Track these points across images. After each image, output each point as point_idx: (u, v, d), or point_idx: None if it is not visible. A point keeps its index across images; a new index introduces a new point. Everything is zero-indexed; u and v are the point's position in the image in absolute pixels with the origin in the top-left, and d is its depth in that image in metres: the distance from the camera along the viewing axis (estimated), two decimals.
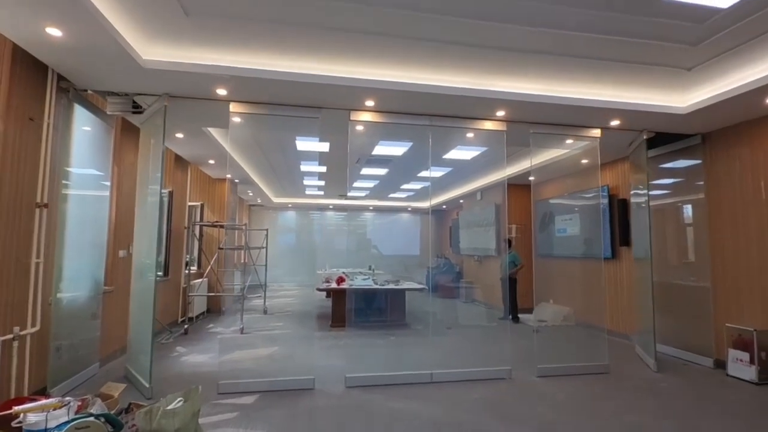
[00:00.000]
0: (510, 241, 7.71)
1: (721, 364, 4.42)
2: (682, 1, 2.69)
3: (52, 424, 2.08)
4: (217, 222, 7.66)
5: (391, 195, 11.89)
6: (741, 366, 4.12)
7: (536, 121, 4.48)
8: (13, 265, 2.94)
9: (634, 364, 4.65)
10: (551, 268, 7.58)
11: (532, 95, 3.90)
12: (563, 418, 3.18)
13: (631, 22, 2.94)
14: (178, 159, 6.42)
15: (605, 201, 6.25)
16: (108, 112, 3.95)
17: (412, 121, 4.34)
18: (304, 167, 8.35)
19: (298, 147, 6.74)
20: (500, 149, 4.82)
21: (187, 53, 3.33)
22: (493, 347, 5.43)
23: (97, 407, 2.48)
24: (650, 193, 4.90)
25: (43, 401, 2.32)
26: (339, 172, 8.37)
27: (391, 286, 7.08)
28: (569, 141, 5.00)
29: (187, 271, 6.74)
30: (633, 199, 5.50)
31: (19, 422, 2.11)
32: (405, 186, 10.50)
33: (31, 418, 2.11)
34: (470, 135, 4.92)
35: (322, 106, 4.07)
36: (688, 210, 5.11)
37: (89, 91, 3.76)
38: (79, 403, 2.40)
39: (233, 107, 3.95)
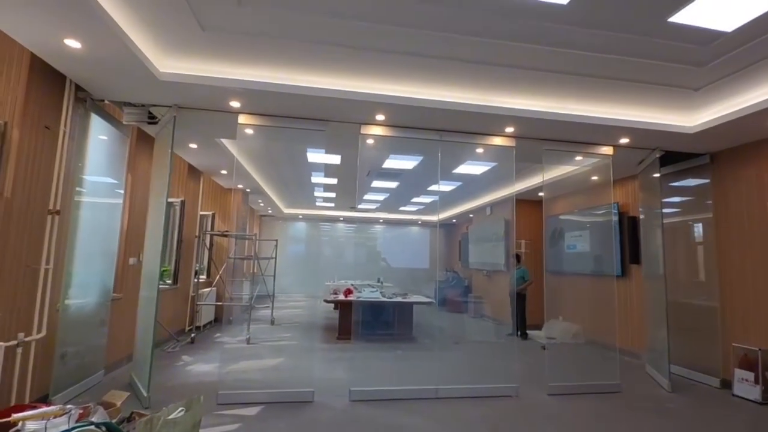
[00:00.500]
0: (519, 257, 7.60)
1: (727, 384, 4.35)
2: (687, 24, 2.70)
3: None
4: (227, 231, 7.73)
5: (402, 208, 11.89)
6: (746, 386, 4.08)
7: (545, 138, 4.48)
8: (21, 270, 2.98)
9: (645, 384, 4.54)
10: (561, 284, 7.44)
11: (541, 112, 3.91)
12: None
13: (638, 43, 2.95)
14: (191, 169, 6.53)
15: (615, 218, 6.15)
16: (124, 122, 4.05)
17: (422, 136, 4.36)
18: (315, 179, 8.41)
19: (309, 159, 6.80)
20: (509, 165, 4.80)
21: (201, 66, 3.42)
22: (501, 364, 5.31)
23: (99, 416, 2.47)
24: (656, 211, 4.82)
25: (44, 409, 2.31)
26: (350, 185, 8.41)
27: (399, 299, 7.02)
28: (579, 158, 4.96)
29: (196, 280, 6.78)
30: (643, 217, 5.41)
31: (18, 430, 2.10)
32: (415, 199, 10.49)
33: (30, 426, 2.10)
34: (479, 150, 4.91)
35: (332, 119, 4.11)
36: (696, 229, 5.03)
37: (106, 101, 3.86)
38: (81, 411, 2.39)
39: (242, 119, 4.02)
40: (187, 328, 6.40)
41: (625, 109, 4.02)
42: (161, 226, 3.83)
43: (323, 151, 6.06)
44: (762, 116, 3.66)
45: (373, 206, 11.63)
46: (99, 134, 3.88)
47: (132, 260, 4.59)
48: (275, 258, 8.38)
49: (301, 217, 13.54)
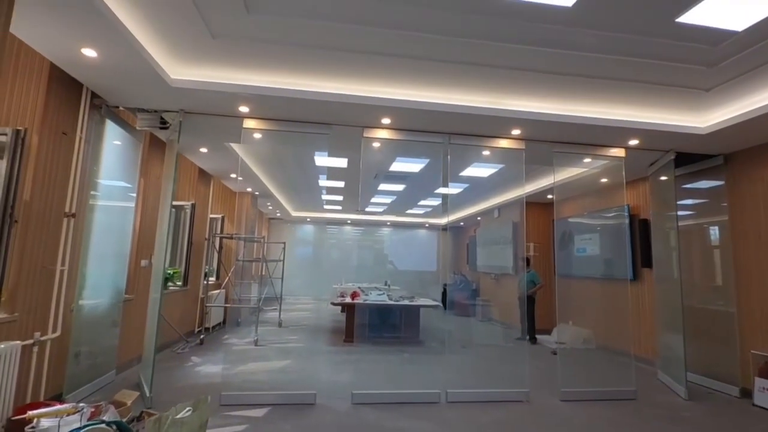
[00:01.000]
0: (528, 260, 7.56)
1: (747, 393, 4.21)
2: (696, 24, 2.68)
3: (64, 429, 2.13)
4: (236, 234, 7.82)
5: (409, 211, 11.90)
6: (767, 396, 3.92)
7: (555, 140, 4.46)
8: (38, 271, 3.07)
9: (659, 391, 4.45)
10: (570, 288, 7.36)
11: (550, 114, 3.90)
12: None
13: (646, 44, 2.93)
14: (202, 172, 6.64)
15: (626, 221, 6.09)
16: (137, 128, 4.15)
17: (428, 139, 4.37)
18: (323, 182, 8.48)
19: (317, 162, 6.87)
20: (517, 167, 4.77)
21: (211, 72, 3.49)
22: (510, 368, 5.28)
23: (110, 414, 2.53)
24: (669, 214, 4.75)
25: (58, 407, 2.38)
26: (357, 188, 8.46)
27: (406, 302, 7.02)
28: (587, 159, 4.93)
29: (205, 282, 6.87)
30: (655, 220, 5.34)
31: (33, 427, 2.17)
32: (423, 202, 10.50)
33: (44, 423, 2.17)
34: (486, 153, 4.91)
35: (338, 123, 4.15)
36: (711, 232, 4.93)
37: (120, 108, 3.96)
38: (93, 410, 2.45)
39: (247, 123, 4.10)
40: (196, 330, 6.49)
41: (635, 110, 4.00)
42: (165, 229, 3.90)
43: (333, 154, 6.12)
44: None
45: (380, 209, 11.67)
46: (113, 139, 3.98)
47: (143, 262, 4.68)
48: (283, 260, 8.45)
49: (308, 220, 13.63)
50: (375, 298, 7.23)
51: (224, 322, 7.57)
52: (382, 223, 13.91)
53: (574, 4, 2.51)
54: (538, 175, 6.99)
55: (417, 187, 8.47)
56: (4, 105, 2.99)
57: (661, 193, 5.09)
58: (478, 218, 10.90)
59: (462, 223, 12.67)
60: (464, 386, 4.09)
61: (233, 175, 7.05)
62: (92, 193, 3.68)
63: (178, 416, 2.38)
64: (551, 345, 6.82)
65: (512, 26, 2.77)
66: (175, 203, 5.99)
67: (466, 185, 8.17)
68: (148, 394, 3.47)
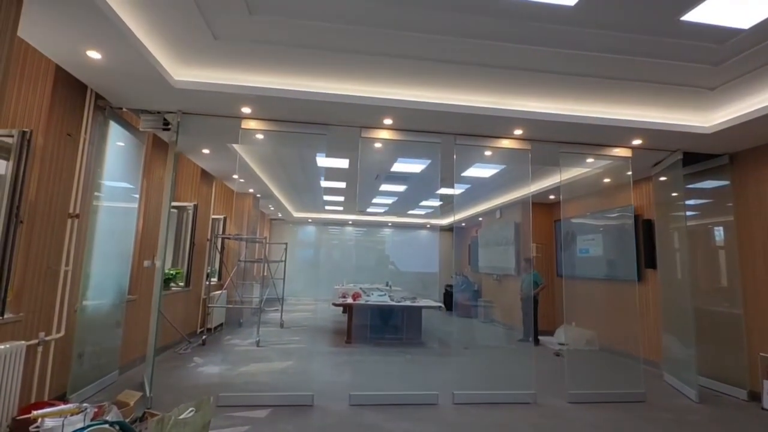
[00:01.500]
0: (530, 260, 7.55)
1: (755, 396, 4.18)
2: (701, 22, 2.67)
3: (68, 429, 2.14)
4: (238, 235, 7.83)
5: (410, 212, 11.90)
6: None
7: (559, 140, 4.46)
8: (43, 272, 3.09)
9: (667, 393, 4.43)
10: (573, 289, 7.33)
11: (555, 114, 3.90)
12: None
13: (650, 43, 2.92)
14: (204, 173, 6.66)
15: (631, 221, 6.07)
16: (140, 129, 4.16)
17: (428, 139, 4.38)
18: (324, 183, 8.49)
19: (318, 163, 6.88)
20: (520, 167, 4.75)
21: (213, 74, 3.51)
22: (514, 369, 5.27)
23: (113, 414, 2.54)
24: (675, 214, 4.73)
25: (61, 406, 2.39)
26: (358, 189, 8.47)
27: (408, 303, 7.01)
28: (590, 160, 4.92)
29: (207, 283, 6.89)
30: (659, 220, 5.32)
31: (37, 427, 2.18)
32: (424, 203, 10.50)
33: (48, 423, 2.18)
34: (488, 153, 4.91)
35: (339, 124, 4.16)
36: (717, 232, 4.90)
37: (124, 109, 3.98)
38: (96, 410, 2.47)
39: (245, 124, 4.12)
40: (198, 330, 6.50)
41: (639, 110, 3.99)
42: (164, 230, 3.92)
43: (331, 155, 6.13)
44: None
45: (381, 210, 11.67)
46: (117, 141, 4.00)
47: (146, 263, 4.70)
48: (285, 261, 8.46)
49: (310, 221, 13.65)
50: (376, 299, 7.23)
51: (226, 322, 7.58)
52: (384, 224, 13.91)
53: (576, 4, 2.51)
54: (539, 176, 6.99)
55: (418, 187, 8.47)
56: (11, 107, 3.01)
57: (667, 193, 5.07)
58: (480, 219, 10.89)
59: (463, 224, 12.66)
60: (469, 388, 4.06)
61: (235, 176, 7.07)
62: (96, 194, 3.69)
63: (181, 417, 2.39)
64: (554, 346, 6.80)
65: (514, 26, 2.77)
66: (177, 204, 6.02)
67: (468, 186, 8.16)
68: (148, 394, 3.48)
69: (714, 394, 4.44)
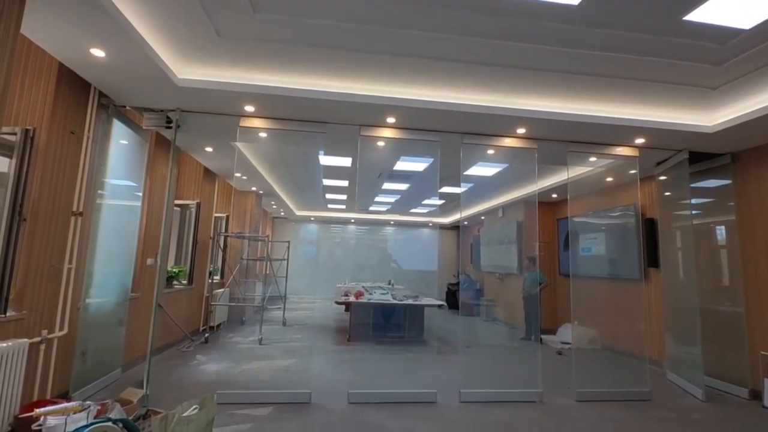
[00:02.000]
0: (534, 260, 7.54)
1: (756, 395, 4.19)
2: (704, 22, 2.66)
3: (71, 427, 2.14)
4: (240, 233, 7.84)
5: (413, 210, 11.89)
6: None
7: (564, 139, 4.45)
8: (46, 270, 3.10)
9: (672, 392, 4.43)
10: (576, 288, 7.32)
11: (558, 113, 3.90)
12: None
13: (653, 43, 2.92)
14: (207, 172, 6.66)
15: (636, 220, 6.06)
16: (144, 127, 4.17)
17: (440, 138, 4.37)
18: (327, 181, 8.49)
19: (321, 162, 6.87)
20: (523, 166, 4.72)
21: (216, 72, 3.51)
22: (516, 368, 5.27)
23: (116, 412, 2.55)
24: (680, 213, 4.71)
25: (64, 404, 2.40)
26: (360, 187, 8.46)
27: (410, 301, 7.01)
28: (593, 159, 4.90)
29: (210, 281, 6.90)
30: (662, 219, 5.30)
31: (40, 425, 2.18)
32: (426, 201, 10.49)
33: (51, 421, 2.18)
34: (494, 152, 4.89)
35: (341, 122, 4.15)
36: (719, 231, 4.89)
37: (127, 107, 3.99)
38: (99, 408, 2.47)
39: (243, 122, 4.11)
40: (201, 328, 6.52)
41: (641, 109, 3.98)
42: (162, 227, 3.93)
43: (332, 153, 6.12)
44: None
45: (384, 208, 11.67)
46: (120, 139, 4.00)
47: (149, 261, 4.71)
48: (287, 259, 8.47)
49: (312, 219, 13.65)
50: (379, 297, 7.23)
51: (228, 320, 7.60)
52: (386, 223, 13.91)
53: (580, 3, 2.50)
54: (542, 175, 6.97)
55: (421, 186, 8.46)
56: (14, 104, 3.02)
57: (671, 192, 5.06)
58: (482, 217, 10.87)
59: (466, 223, 12.65)
60: (473, 386, 4.05)
61: (238, 174, 7.08)
62: (99, 192, 3.70)
63: (185, 414, 2.39)
64: (555, 345, 6.80)
65: (518, 25, 2.76)
66: (180, 202, 6.02)
67: (470, 185, 8.15)
68: (146, 392, 3.49)
69: (716, 392, 4.44)
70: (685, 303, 4.62)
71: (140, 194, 4.44)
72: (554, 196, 7.86)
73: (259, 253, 9.13)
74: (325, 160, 6.74)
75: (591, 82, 3.53)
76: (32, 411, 2.35)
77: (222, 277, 7.74)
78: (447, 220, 13.22)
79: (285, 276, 8.37)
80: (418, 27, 2.84)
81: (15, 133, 2.88)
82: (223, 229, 7.66)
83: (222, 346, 5.87)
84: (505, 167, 6.66)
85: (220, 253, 7.43)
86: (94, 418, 2.35)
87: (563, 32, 2.83)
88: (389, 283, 10.01)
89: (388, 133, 4.30)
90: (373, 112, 3.89)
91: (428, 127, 4.27)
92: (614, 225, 6.62)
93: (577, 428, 3.38)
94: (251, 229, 8.46)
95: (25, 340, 2.83)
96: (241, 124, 4.12)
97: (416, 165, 6.87)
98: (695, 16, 2.59)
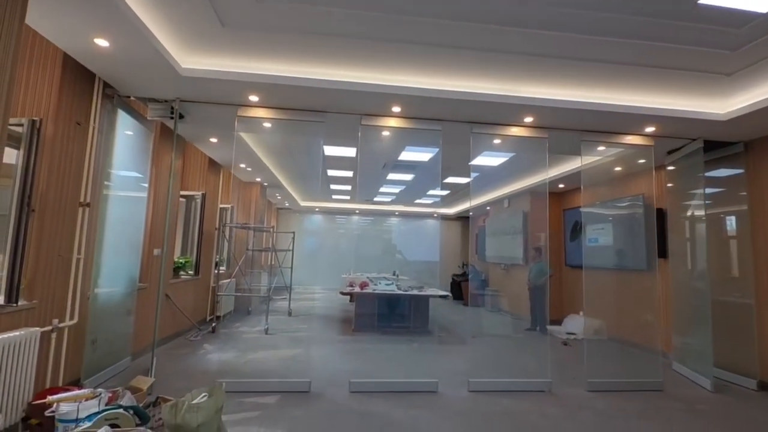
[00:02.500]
0: (540, 250, 7.50)
1: (765, 386, 4.19)
2: (718, 6, 2.59)
3: (83, 414, 2.18)
4: (246, 224, 7.86)
5: (418, 201, 11.86)
6: None
7: (575, 128, 4.39)
8: (55, 260, 3.13)
9: (680, 383, 4.42)
10: (581, 279, 7.29)
11: (570, 101, 3.84)
12: None
13: (669, 28, 2.84)
14: (212, 162, 6.67)
15: (646, 210, 5.99)
16: (148, 118, 4.16)
17: (448, 128, 4.33)
18: (331, 172, 8.47)
19: (326, 152, 6.84)
20: (530, 156, 4.66)
21: (219, 61, 3.48)
22: (522, 358, 5.28)
23: (127, 399, 2.59)
24: (691, 203, 4.64)
25: (76, 392, 2.44)
26: (365, 178, 8.44)
27: (415, 292, 7.03)
28: (601, 148, 4.83)
29: (216, 271, 6.95)
30: (673, 209, 5.23)
31: (52, 411, 2.22)
32: (432, 192, 10.44)
33: (64, 407, 2.22)
34: (500, 141, 4.84)
35: (345, 112, 4.12)
36: (730, 222, 4.82)
37: (132, 98, 3.98)
38: (110, 395, 2.51)
39: (241, 111, 4.09)
40: (208, 318, 6.59)
41: (654, 96, 3.90)
42: (167, 217, 3.94)
43: (335, 143, 6.09)
44: None
45: (388, 199, 11.64)
46: (125, 129, 4.00)
47: (156, 251, 4.74)
48: (292, 250, 8.50)
49: (317, 210, 13.66)
50: (384, 287, 7.25)
51: (234, 310, 7.67)
52: (390, 213, 13.90)
53: None
54: (549, 165, 6.89)
55: (426, 176, 8.41)
56: (20, 96, 3.01)
57: (683, 181, 4.98)
58: (487, 208, 10.82)
59: (471, 213, 12.60)
60: (479, 376, 4.06)
61: (242, 165, 7.08)
62: (105, 183, 3.71)
63: (194, 402, 2.42)
64: (561, 336, 6.80)
65: (529, 10, 2.70)
66: (185, 193, 6.04)
67: (476, 174, 8.09)
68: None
69: (723, 383, 4.42)
70: (694, 294, 4.58)
71: (146, 185, 4.45)
72: (561, 186, 7.79)
73: (264, 244, 9.17)
74: (330, 150, 6.72)
75: (603, 69, 3.46)
76: (45, 398, 2.40)
77: (228, 267, 7.79)
78: (452, 210, 13.17)
79: (290, 267, 8.41)
80: (427, 14, 2.78)
81: (22, 124, 2.89)
82: (229, 220, 7.69)
83: (229, 335, 5.93)
84: (511, 157, 6.58)
85: (226, 244, 7.47)
86: (106, 405, 2.39)
87: (575, 17, 2.76)
88: (394, 274, 10.04)
89: (389, 122, 4.26)
90: (378, 101, 3.84)
91: (436, 117, 4.22)
92: (623, 215, 6.56)
93: (593, 418, 3.39)
94: (256, 219, 8.49)
95: (37, 328, 2.87)
96: (240, 113, 4.10)
97: (421, 155, 6.82)
98: None
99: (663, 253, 5.52)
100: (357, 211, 13.72)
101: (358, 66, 3.53)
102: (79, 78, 3.28)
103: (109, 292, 3.84)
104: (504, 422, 3.23)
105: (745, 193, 4.58)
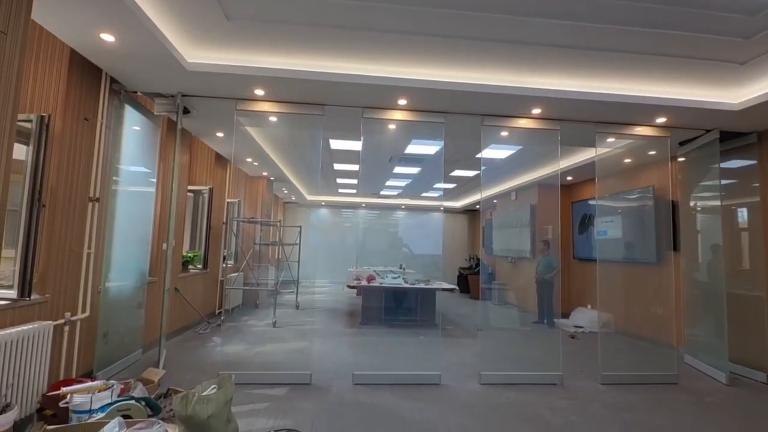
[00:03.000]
0: (548, 243, 7.45)
1: None
2: None
3: (96, 405, 2.22)
4: (253, 218, 7.90)
5: (424, 194, 11.82)
6: None
7: (587, 120, 4.32)
8: (66, 254, 3.17)
9: (693, 376, 4.40)
10: (590, 272, 7.25)
11: (581, 92, 3.78)
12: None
13: (680, 15, 2.77)
14: (219, 157, 6.69)
15: (657, 202, 5.91)
16: (155, 113, 4.18)
17: (459, 121, 4.29)
18: (337, 166, 8.46)
19: (332, 146, 6.83)
20: (538, 148, 4.60)
21: (224, 55, 3.47)
22: (531, 351, 5.27)
23: (138, 391, 2.63)
24: (705, 195, 4.56)
25: (89, 383, 2.48)
26: (372, 171, 8.41)
27: (422, 285, 7.03)
28: (611, 139, 4.76)
29: (224, 265, 7.01)
30: (685, 201, 5.15)
31: (66, 402, 2.26)
32: (438, 185, 10.40)
33: (77, 399, 2.25)
34: (504, 134, 4.78)
35: (347, 105, 4.10)
36: (741, 213, 4.74)
37: (138, 93, 3.99)
38: (122, 387, 2.55)
39: (240, 105, 4.08)
40: (217, 311, 6.66)
41: (665, 86, 3.82)
42: (174, 211, 3.98)
43: (340, 137, 6.07)
44: None
45: (395, 192, 11.62)
46: (133, 125, 4.02)
47: (165, 245, 4.78)
48: (299, 244, 8.54)
49: (323, 203, 13.68)
50: (390, 281, 7.26)
51: (243, 304, 7.74)
52: (397, 207, 13.87)
53: None
54: (555, 158, 6.81)
55: (432, 170, 8.36)
56: (28, 92, 3.03)
57: (696, 173, 4.89)
58: (494, 201, 10.75)
59: (478, 206, 12.54)
60: (490, 369, 4.05)
61: (249, 160, 7.09)
62: (114, 178, 3.74)
63: (204, 393, 2.45)
64: (568, 329, 6.77)
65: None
66: (193, 188, 6.08)
67: (483, 167, 8.02)
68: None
69: (734, 376, 4.38)
70: (706, 286, 4.52)
71: (154, 180, 4.48)
72: (569, 178, 7.71)
73: (271, 238, 9.21)
74: (337, 144, 6.70)
75: (614, 59, 3.39)
76: (59, 389, 2.44)
77: (236, 261, 7.85)
78: (458, 204, 13.11)
79: (297, 260, 8.45)
80: (434, 4, 2.74)
81: (30, 120, 2.91)
82: (236, 214, 7.73)
83: (238, 328, 6.00)
84: (519, 149, 6.52)
85: (234, 238, 7.52)
86: (118, 396, 2.43)
87: (585, 5, 2.70)
88: (401, 268, 10.04)
89: (394, 115, 4.23)
90: (385, 93, 3.81)
91: (444, 109, 4.18)
92: (631, 207, 6.48)
93: (607, 412, 3.37)
94: (263, 214, 8.53)
95: (50, 322, 2.92)
96: (239, 107, 4.09)
97: (428, 148, 6.78)
98: None
99: (674, 245, 5.45)
100: (363, 205, 13.71)
101: (364, 58, 3.50)
102: (86, 74, 3.30)
103: (119, 285, 3.89)
104: (513, 414, 3.23)
105: (757, 185, 4.49)
